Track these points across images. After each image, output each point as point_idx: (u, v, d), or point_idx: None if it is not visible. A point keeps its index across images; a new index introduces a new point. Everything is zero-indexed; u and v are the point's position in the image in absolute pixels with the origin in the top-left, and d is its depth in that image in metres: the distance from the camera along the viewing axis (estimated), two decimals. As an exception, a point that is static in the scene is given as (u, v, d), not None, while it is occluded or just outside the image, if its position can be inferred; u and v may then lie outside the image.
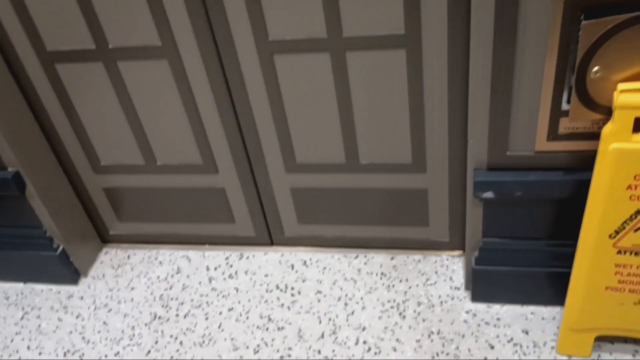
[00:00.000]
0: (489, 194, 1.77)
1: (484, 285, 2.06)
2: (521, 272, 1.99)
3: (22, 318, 2.36)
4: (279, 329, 2.15)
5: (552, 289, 2.00)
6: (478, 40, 1.53)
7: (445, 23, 1.69)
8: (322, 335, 2.10)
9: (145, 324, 2.24)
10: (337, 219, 2.30)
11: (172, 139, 2.17)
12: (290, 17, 1.77)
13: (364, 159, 2.07)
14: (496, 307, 2.09)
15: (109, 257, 2.55)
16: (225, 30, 1.84)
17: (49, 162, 2.27)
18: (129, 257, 2.54)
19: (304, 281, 2.30)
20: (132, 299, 2.35)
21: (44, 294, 2.44)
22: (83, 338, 2.24)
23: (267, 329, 2.15)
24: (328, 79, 1.89)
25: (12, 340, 2.28)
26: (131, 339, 2.20)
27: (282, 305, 2.22)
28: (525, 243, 1.94)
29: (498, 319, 2.05)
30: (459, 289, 2.17)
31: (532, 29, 1.48)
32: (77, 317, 2.32)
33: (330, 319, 2.14)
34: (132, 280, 2.42)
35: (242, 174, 2.23)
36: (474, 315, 2.08)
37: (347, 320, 2.13)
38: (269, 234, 2.43)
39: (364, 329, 2.09)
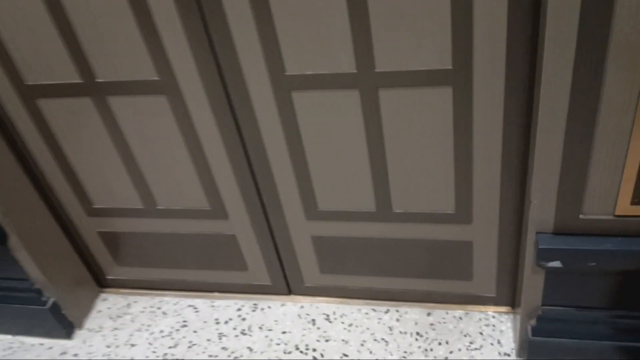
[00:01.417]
0: (555, 264, 1.45)
1: (541, 356, 1.74)
2: (587, 345, 1.67)
3: (9, 379, 2.09)
4: (299, 401, 1.86)
5: (623, 362, 1.69)
6: (550, 81, 1.21)
7: (504, 56, 1.37)
8: (350, 412, 1.80)
9: (147, 391, 1.96)
10: (365, 270, 2.00)
11: (174, 181, 1.88)
12: (312, 48, 1.46)
13: (398, 207, 1.76)
14: (554, 380, 1.77)
15: (107, 306, 2.27)
16: (233, 63, 1.53)
17: (35, 207, 1.98)
18: (129, 305, 2.26)
19: (327, 341, 2.00)
20: (132, 359, 2.06)
21: (35, 349, 2.16)
22: (76, 407, 1.96)
23: (286, 401, 1.86)
24: (357, 120, 1.58)
25: (-3, 407, 2.02)
26: (130, 409, 1.92)
27: (303, 371, 1.93)
28: (592, 314, 1.62)
29: (557, 396, 1.74)
30: (509, 355, 1.86)
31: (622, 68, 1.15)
32: (70, 379, 2.05)
33: (357, 391, 1.85)
34: (132, 335, 2.14)
35: (254, 219, 1.93)
36: (528, 390, 1.77)
37: (378, 393, 1.83)
38: (286, 283, 2.13)
39: (398, 404, 1.80)
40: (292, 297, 2.16)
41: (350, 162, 1.69)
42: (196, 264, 2.15)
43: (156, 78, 1.61)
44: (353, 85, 1.50)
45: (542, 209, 1.41)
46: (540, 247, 1.44)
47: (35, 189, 1.97)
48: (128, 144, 1.81)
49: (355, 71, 1.47)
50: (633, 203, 1.34)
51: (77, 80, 1.66)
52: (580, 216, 1.40)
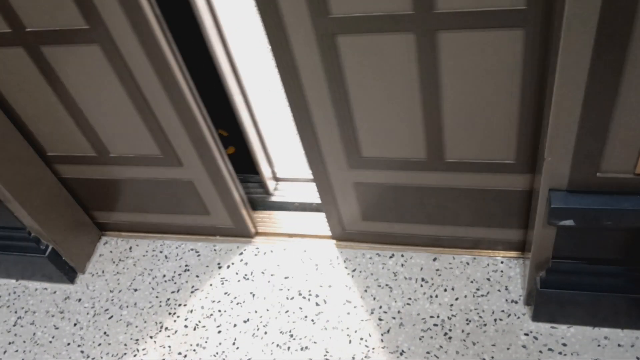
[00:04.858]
0: (568, 222, 1.36)
1: (549, 306, 1.69)
2: (596, 297, 1.61)
3: (15, 324, 2.10)
4: (302, 349, 1.84)
5: (633, 313, 1.63)
6: (573, 22, 1.06)
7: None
8: (353, 360, 1.79)
9: (151, 337, 1.96)
10: (408, 217, 1.90)
11: (123, 130, 1.82)
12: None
13: (451, 155, 1.63)
14: (562, 329, 1.73)
15: (109, 249, 2.24)
16: (271, 5, 1.37)
17: (22, 156, 1.90)
18: (130, 248, 2.22)
19: (330, 286, 1.97)
20: (135, 304, 2.05)
21: (38, 295, 2.16)
22: (82, 352, 1.97)
23: (289, 348, 1.85)
24: (409, 65, 1.42)
25: (5, 352, 2.03)
26: (135, 355, 1.93)
27: (306, 317, 1.90)
28: (603, 267, 1.54)
29: (564, 345, 1.70)
30: (516, 302, 1.81)
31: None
32: (74, 324, 2.05)
33: (362, 338, 1.82)
34: (134, 280, 2.12)
35: (208, 166, 1.88)
36: (535, 338, 1.73)
37: (382, 341, 1.81)
38: (253, 226, 2.11)
39: (402, 353, 1.77)
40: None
41: (399, 110, 1.54)
42: (162, 209, 2.12)
43: (85, 27, 1.51)
44: (408, 28, 1.33)
45: (557, 165, 1.30)
46: (552, 206, 1.34)
47: (24, 138, 1.89)
48: (71, 94, 1.73)
49: (411, 12, 1.29)
50: (657, 161, 1.22)
51: (6, 29, 1.56)
52: (598, 174, 1.29)
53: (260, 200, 2.21)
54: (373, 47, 1.39)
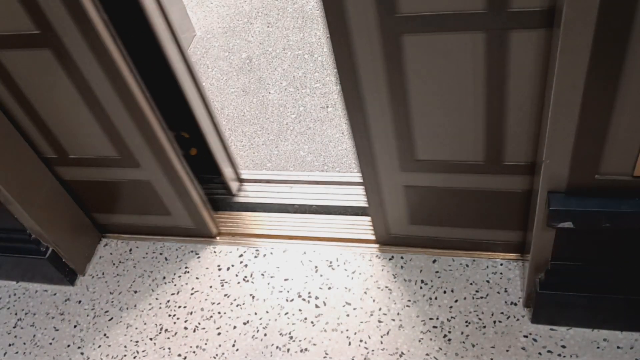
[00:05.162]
0: (567, 224, 1.36)
1: (548, 308, 1.70)
2: (595, 298, 1.61)
3: (15, 326, 2.10)
4: (301, 350, 1.84)
5: (632, 315, 1.64)
6: (572, 18, 1.07)
7: None
8: (352, 362, 1.79)
9: (151, 339, 1.96)
10: (456, 220, 1.86)
11: (80, 132, 1.85)
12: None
13: (509, 158, 1.60)
14: (561, 331, 1.73)
15: (109, 251, 2.25)
16: (339, 4, 1.33)
17: (23, 158, 1.91)
18: (130, 250, 2.23)
19: (329, 288, 1.97)
20: (135, 305, 2.06)
21: (38, 296, 2.17)
22: (82, 354, 1.97)
23: (288, 350, 1.85)
24: (477, 65, 1.37)
25: (5, 353, 2.04)
26: (135, 357, 1.93)
27: (305, 319, 1.91)
28: (603, 269, 1.55)
29: (563, 347, 1.70)
30: (516, 304, 1.81)
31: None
32: (74, 326, 2.05)
33: (361, 340, 1.83)
34: (134, 282, 2.13)
35: (165, 166, 1.91)
36: (534, 340, 1.73)
37: (382, 342, 1.81)
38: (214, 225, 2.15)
39: (401, 355, 1.78)
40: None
41: (461, 111, 1.50)
42: (131, 210, 2.15)
43: (36, 32, 1.54)
44: (479, 27, 1.29)
45: (555, 167, 1.31)
46: (551, 207, 1.34)
47: (24, 139, 1.89)
48: (27, 97, 1.76)
49: (483, 10, 1.26)
50: (654, 163, 1.23)
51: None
52: (596, 176, 1.30)
53: (223, 201, 2.24)
54: (439, 46, 1.35)
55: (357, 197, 2.14)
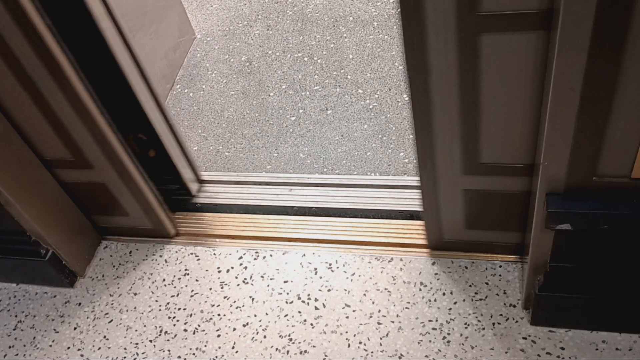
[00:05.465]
0: (565, 226, 1.37)
1: (547, 310, 1.70)
2: (594, 300, 1.62)
3: (15, 328, 2.10)
4: (301, 352, 1.85)
5: (630, 317, 1.64)
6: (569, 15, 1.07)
7: None
8: (352, 364, 1.79)
9: (150, 341, 1.97)
10: (509, 225, 1.83)
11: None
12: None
13: None
14: (560, 333, 1.74)
15: (109, 253, 2.25)
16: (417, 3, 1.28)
17: (23, 159, 1.91)
18: (130, 252, 2.23)
19: (329, 290, 1.97)
20: (135, 308, 2.06)
21: (38, 299, 2.17)
22: (82, 356, 1.98)
23: (288, 352, 1.85)
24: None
25: (5, 355, 2.04)
26: (134, 359, 1.93)
27: (305, 321, 1.91)
28: (601, 271, 1.55)
29: (562, 349, 1.71)
30: (515, 306, 1.82)
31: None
32: (74, 328, 2.05)
33: (360, 342, 1.83)
34: (134, 284, 2.13)
35: (118, 168, 1.96)
36: (533, 342, 1.73)
37: (381, 344, 1.81)
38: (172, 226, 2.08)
39: (400, 356, 1.78)
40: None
41: (535, 113, 1.44)
42: (97, 211, 2.20)
43: None
44: (547, 26, 1.24)
45: (553, 168, 1.31)
46: (549, 209, 1.35)
47: (24, 141, 1.90)
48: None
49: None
50: (652, 165, 1.23)
51: None
52: (594, 178, 1.30)
53: (182, 202, 2.28)
54: (518, 46, 1.30)
55: (357, 198, 2.14)
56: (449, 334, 1.79)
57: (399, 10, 1.31)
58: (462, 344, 1.77)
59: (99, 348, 1.98)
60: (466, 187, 1.71)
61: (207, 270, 2.11)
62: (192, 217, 2.28)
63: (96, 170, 1.97)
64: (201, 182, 2.32)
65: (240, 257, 2.12)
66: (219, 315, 1.98)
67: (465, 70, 1.38)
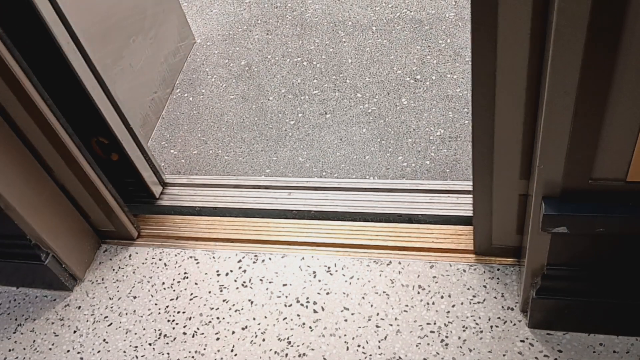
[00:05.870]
0: (561, 229, 1.38)
1: (545, 313, 1.71)
2: (591, 302, 1.62)
3: (15, 331, 2.11)
4: (299, 355, 1.85)
5: (628, 320, 1.65)
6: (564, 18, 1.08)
7: None
8: (350, 367, 1.80)
9: (150, 344, 1.97)
10: None
11: None
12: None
13: None
14: (557, 336, 1.74)
15: (108, 257, 2.26)
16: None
17: (23, 162, 1.92)
18: (130, 256, 2.24)
19: (327, 294, 1.98)
20: (134, 311, 2.07)
21: (38, 302, 2.18)
22: (82, 359, 1.98)
23: (286, 355, 1.86)
24: None
25: (5, 359, 2.04)
26: (134, 362, 1.94)
27: (304, 324, 1.92)
28: (598, 274, 1.56)
29: (560, 351, 1.72)
30: (512, 309, 1.82)
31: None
32: (74, 332, 2.06)
33: (359, 345, 1.84)
34: (134, 287, 2.14)
35: (76, 171, 2.00)
36: (531, 345, 1.74)
37: (379, 347, 1.82)
38: (137, 226, 2.09)
39: (399, 359, 1.79)
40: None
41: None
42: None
43: None
44: None
45: (550, 172, 1.32)
46: (545, 213, 1.36)
47: (26, 147, 1.91)
48: None
49: None
50: (647, 168, 1.24)
51: None
52: (590, 181, 1.31)
53: (145, 204, 2.33)
54: None
55: (356, 202, 2.15)
56: (447, 336, 1.80)
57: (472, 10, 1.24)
58: (460, 347, 1.77)
59: (99, 351, 1.99)
60: (522, 192, 1.66)
61: (206, 274, 2.12)
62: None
63: (55, 173, 2.01)
64: (165, 184, 2.37)
65: (240, 261, 2.13)
66: (218, 318, 1.99)
67: (534, 71, 1.32)
